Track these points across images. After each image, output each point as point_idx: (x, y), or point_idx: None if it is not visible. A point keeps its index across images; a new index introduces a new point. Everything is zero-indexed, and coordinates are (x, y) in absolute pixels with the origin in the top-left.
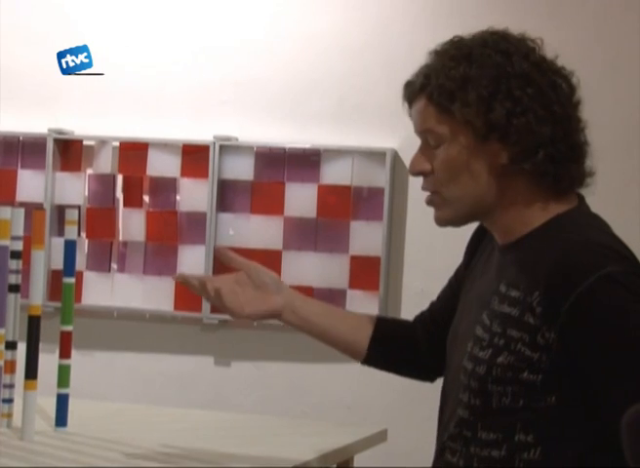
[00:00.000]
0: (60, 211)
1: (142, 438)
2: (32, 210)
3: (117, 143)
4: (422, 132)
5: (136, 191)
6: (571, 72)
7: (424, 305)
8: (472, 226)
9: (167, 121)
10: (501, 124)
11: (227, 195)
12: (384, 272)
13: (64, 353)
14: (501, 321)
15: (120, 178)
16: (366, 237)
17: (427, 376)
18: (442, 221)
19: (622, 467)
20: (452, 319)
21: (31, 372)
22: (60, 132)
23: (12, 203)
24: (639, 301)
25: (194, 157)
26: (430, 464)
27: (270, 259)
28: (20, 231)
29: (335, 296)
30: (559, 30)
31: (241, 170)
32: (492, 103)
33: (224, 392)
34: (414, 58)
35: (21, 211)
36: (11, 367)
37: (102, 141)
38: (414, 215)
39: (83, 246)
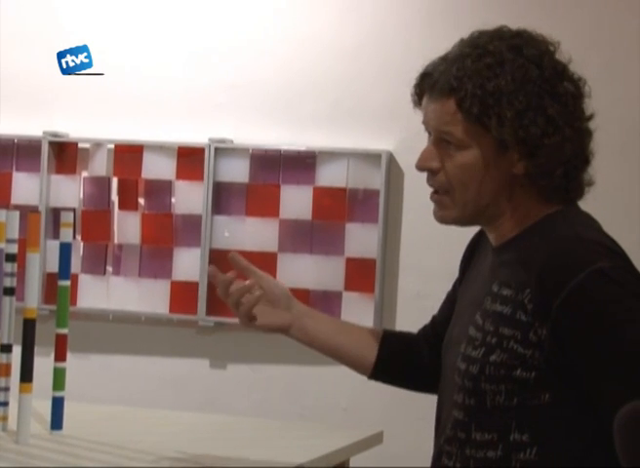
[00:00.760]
0: (56, 213)
1: (138, 441)
2: (27, 212)
3: (112, 146)
4: (442, 132)
5: (131, 194)
6: (583, 80)
7: (420, 307)
8: (469, 228)
9: (162, 123)
10: (534, 143)
11: (223, 197)
12: (380, 274)
13: (60, 356)
14: (494, 319)
15: (115, 181)
16: (361, 239)
17: (434, 389)
18: (446, 220)
19: (619, 467)
20: None
21: (27, 375)
22: (54, 134)
23: (7, 206)
24: (630, 296)
25: (189, 159)
26: (426, 466)
27: (266, 262)
28: (15, 234)
29: (330, 299)
30: (555, 31)
31: (236, 172)
32: (525, 121)
33: (220, 395)
34: (409, 61)
35: (16, 213)
36: (6, 370)
37: (97, 144)
38: (409, 218)
39: (78, 248)
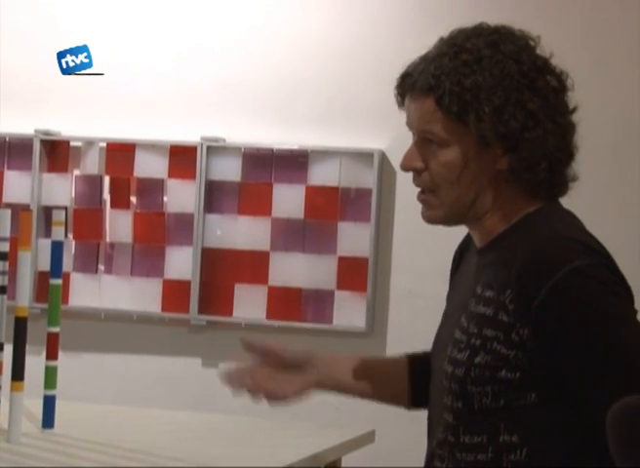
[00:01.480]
0: (47, 212)
1: (130, 439)
2: (19, 211)
3: (104, 144)
4: (423, 131)
5: (123, 192)
6: (565, 73)
7: (412, 306)
8: (461, 227)
9: (154, 122)
10: (514, 137)
11: (215, 196)
12: (372, 273)
13: (51, 354)
14: (477, 321)
15: (107, 179)
16: (354, 238)
17: None
18: (433, 220)
19: (609, 466)
20: None
21: (18, 374)
22: (46, 133)
23: None
24: (609, 294)
25: (182, 158)
26: (417, 465)
27: (258, 260)
28: (6, 232)
29: (322, 297)
30: (547, 30)
31: (229, 171)
32: (505, 116)
33: (212, 393)
34: (402, 60)
35: (8, 212)
36: None
37: (89, 142)
38: (401, 216)
39: (70, 247)
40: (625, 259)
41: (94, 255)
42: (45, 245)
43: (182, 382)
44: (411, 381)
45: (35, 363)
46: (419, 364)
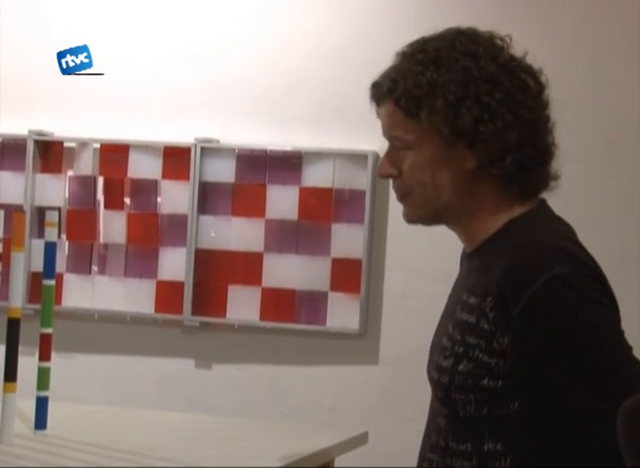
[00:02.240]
0: (41, 212)
1: (122, 440)
2: (12, 211)
3: (98, 145)
4: (390, 137)
5: (116, 193)
6: (540, 70)
7: (405, 308)
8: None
9: (148, 123)
10: (469, 131)
11: (209, 197)
12: (366, 274)
13: (44, 356)
14: (461, 328)
15: (101, 180)
16: (347, 239)
17: None
18: (411, 219)
19: None
20: None
21: (11, 375)
22: (40, 133)
23: None
24: (590, 302)
25: (175, 159)
26: (411, 466)
27: (251, 262)
28: None
29: (316, 299)
30: (541, 31)
31: (222, 172)
32: (459, 110)
33: (205, 394)
34: None
35: (1, 212)
36: None
37: (83, 143)
38: (395, 218)
39: (63, 248)
40: (621, 260)
41: (87, 256)
42: (38, 245)
43: (175, 383)
44: None
45: (28, 364)
46: None
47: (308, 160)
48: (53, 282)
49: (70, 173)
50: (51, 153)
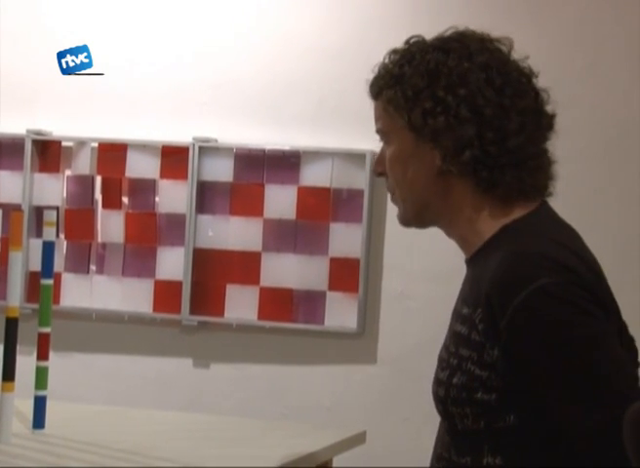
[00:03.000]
0: (39, 212)
1: (120, 440)
2: (10, 211)
3: (96, 144)
4: (376, 132)
5: (114, 192)
6: (536, 73)
7: (403, 307)
8: None
9: (146, 122)
10: (418, 124)
11: (207, 196)
12: (364, 274)
13: (42, 355)
14: (455, 340)
15: (99, 180)
16: (345, 239)
17: None
18: (400, 221)
19: None
20: None
21: (9, 374)
22: (38, 132)
23: None
24: (578, 313)
25: (173, 158)
26: (408, 465)
27: (249, 261)
28: None
29: (314, 298)
30: (539, 34)
31: (220, 171)
32: (414, 103)
33: (203, 394)
34: None
35: None
36: None
37: (81, 142)
38: (393, 217)
39: (61, 247)
40: (621, 260)
41: (85, 256)
42: (36, 245)
43: (174, 383)
44: None
45: (26, 363)
46: None
47: (306, 159)
48: (51, 281)
49: (68, 172)
50: (49, 152)
